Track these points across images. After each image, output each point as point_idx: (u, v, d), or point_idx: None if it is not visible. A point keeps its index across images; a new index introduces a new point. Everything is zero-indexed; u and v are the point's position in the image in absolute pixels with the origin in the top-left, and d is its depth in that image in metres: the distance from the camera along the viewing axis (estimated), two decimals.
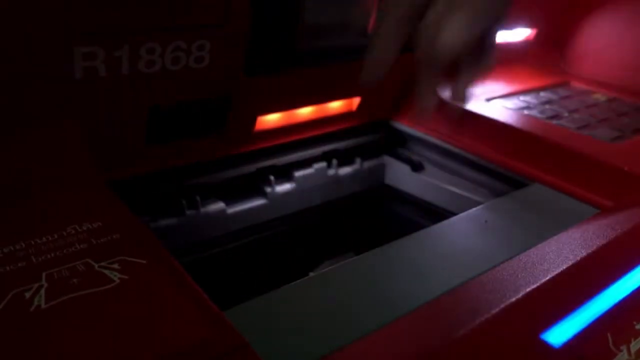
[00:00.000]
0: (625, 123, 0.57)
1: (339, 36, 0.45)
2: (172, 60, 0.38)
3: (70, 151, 0.36)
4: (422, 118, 0.56)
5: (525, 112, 0.57)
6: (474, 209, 0.44)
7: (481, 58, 0.40)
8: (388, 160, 0.61)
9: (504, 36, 0.67)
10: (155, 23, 0.36)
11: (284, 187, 0.53)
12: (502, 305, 0.29)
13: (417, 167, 0.58)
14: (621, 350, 0.29)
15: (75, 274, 0.26)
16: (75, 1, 0.32)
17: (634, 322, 0.31)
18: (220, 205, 0.48)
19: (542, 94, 0.64)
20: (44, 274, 0.26)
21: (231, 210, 0.49)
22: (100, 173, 0.36)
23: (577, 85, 0.70)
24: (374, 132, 0.59)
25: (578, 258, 0.34)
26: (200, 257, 0.48)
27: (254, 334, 0.26)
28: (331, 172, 0.56)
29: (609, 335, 0.29)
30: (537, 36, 0.70)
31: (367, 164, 0.59)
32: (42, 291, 0.25)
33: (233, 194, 0.50)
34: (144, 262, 0.28)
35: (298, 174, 0.53)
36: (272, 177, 0.51)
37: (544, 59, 0.72)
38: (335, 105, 0.54)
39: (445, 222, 0.42)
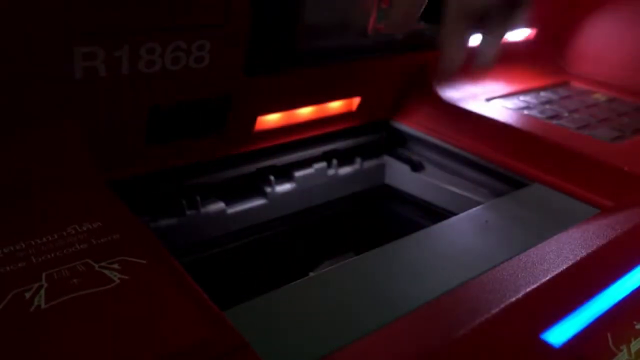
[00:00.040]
0: (625, 123, 0.57)
1: (339, 36, 0.45)
2: (172, 60, 0.38)
3: (70, 151, 0.36)
4: (445, 77, 0.54)
5: (525, 112, 0.57)
6: (474, 209, 0.44)
7: (513, 11, 0.38)
8: (388, 160, 0.61)
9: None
10: (155, 23, 0.36)
11: (284, 187, 0.53)
12: (502, 305, 0.29)
13: (417, 167, 0.58)
14: (621, 350, 0.29)
15: (75, 274, 0.26)
16: (75, 1, 0.32)
17: (634, 322, 0.31)
18: (220, 205, 0.48)
19: (542, 94, 0.64)
20: (44, 274, 0.26)
21: (231, 210, 0.49)
22: (100, 173, 0.36)
23: (577, 85, 0.70)
24: (374, 132, 0.59)
25: (578, 258, 0.34)
26: (200, 257, 0.48)
27: (254, 334, 0.26)
28: (331, 172, 0.56)
29: (609, 335, 0.29)
30: (537, 36, 0.70)
31: (367, 164, 0.59)
32: (42, 291, 0.25)
33: (233, 194, 0.50)
34: (144, 262, 0.28)
35: (298, 174, 0.53)
36: (272, 177, 0.51)
37: (544, 59, 0.72)
38: (335, 105, 0.54)
39: (445, 222, 0.42)
